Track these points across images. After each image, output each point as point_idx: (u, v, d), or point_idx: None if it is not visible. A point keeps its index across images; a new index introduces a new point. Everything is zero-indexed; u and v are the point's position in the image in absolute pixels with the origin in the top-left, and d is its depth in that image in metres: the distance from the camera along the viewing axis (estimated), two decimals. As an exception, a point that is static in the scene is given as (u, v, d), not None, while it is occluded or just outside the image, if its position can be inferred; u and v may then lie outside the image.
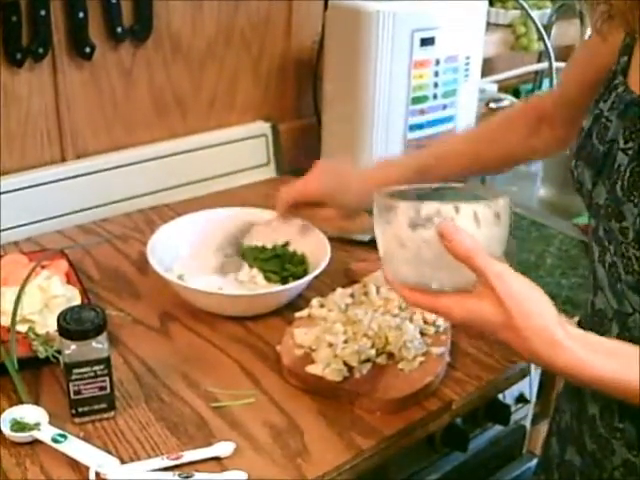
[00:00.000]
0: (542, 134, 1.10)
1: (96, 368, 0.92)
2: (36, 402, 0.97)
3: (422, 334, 1.08)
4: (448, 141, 1.28)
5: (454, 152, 1.15)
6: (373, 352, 1.03)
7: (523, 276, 0.75)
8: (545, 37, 1.84)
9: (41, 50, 1.32)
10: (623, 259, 0.79)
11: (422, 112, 1.52)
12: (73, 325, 0.90)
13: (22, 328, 1.07)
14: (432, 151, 1.18)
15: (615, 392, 0.73)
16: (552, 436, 0.98)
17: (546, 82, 2.03)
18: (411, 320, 1.09)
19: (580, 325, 0.91)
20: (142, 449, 0.91)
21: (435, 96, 1.53)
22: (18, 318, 1.07)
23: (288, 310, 1.16)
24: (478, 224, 0.76)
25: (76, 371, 0.92)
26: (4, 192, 1.34)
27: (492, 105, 2.00)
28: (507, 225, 0.78)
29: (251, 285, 1.20)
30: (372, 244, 1.35)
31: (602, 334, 0.80)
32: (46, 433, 0.91)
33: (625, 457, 0.85)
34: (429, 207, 0.76)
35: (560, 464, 0.95)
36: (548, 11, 1.95)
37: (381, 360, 1.03)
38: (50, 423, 0.93)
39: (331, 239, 1.23)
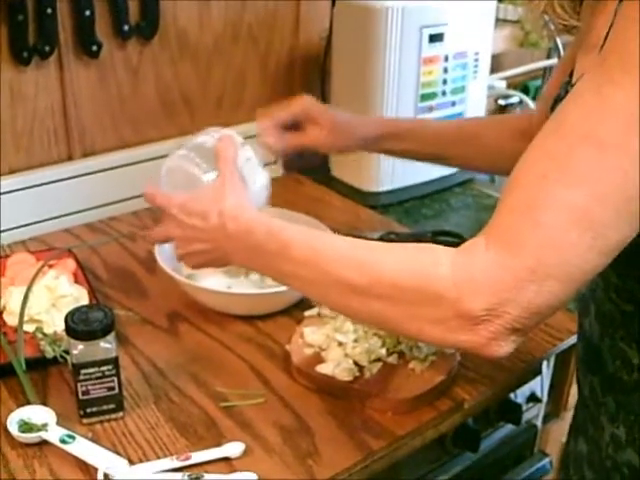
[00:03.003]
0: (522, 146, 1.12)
1: (104, 368, 0.91)
2: (44, 403, 0.96)
3: (433, 333, 1.06)
4: (441, 121, 1.37)
5: (443, 128, 1.24)
6: (384, 351, 1.03)
7: None
8: (554, 33, 1.82)
9: (48, 48, 1.31)
10: None
11: (431, 109, 1.51)
12: (81, 325, 0.90)
13: (29, 328, 1.06)
14: (424, 122, 1.30)
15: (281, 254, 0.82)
16: (571, 434, 0.99)
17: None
18: (422, 319, 1.08)
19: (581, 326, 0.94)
20: (151, 450, 0.91)
21: (444, 93, 1.52)
22: (25, 318, 1.07)
23: (297, 309, 1.15)
24: (248, 162, 1.02)
25: (84, 371, 0.91)
26: (11, 191, 1.34)
27: (501, 102, 1.99)
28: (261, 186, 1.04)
29: (260, 284, 1.19)
30: (382, 241, 1.34)
31: (585, 317, 0.91)
32: (54, 434, 0.90)
33: (611, 431, 0.87)
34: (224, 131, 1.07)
35: (575, 457, 0.95)
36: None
37: (392, 359, 1.02)
38: (58, 424, 0.92)
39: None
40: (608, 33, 0.68)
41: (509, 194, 0.68)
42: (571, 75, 0.83)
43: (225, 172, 0.95)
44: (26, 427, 0.91)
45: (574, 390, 1.28)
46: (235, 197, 0.91)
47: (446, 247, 0.71)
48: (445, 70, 1.50)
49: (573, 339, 1.11)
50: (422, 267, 0.70)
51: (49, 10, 1.28)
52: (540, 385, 1.21)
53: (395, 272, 0.72)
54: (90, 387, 0.92)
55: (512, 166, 0.89)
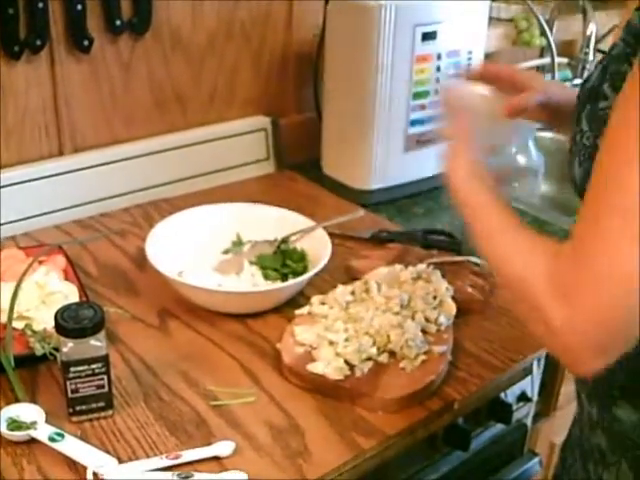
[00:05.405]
0: None
1: (94, 366, 0.91)
2: (33, 400, 0.96)
3: (424, 332, 1.06)
4: None
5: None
6: (374, 350, 1.02)
7: None
8: (547, 32, 1.83)
9: (39, 43, 1.30)
10: None
11: (423, 107, 1.51)
12: (71, 323, 0.89)
13: (19, 325, 1.05)
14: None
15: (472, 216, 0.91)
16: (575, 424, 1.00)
17: (548, 78, 2.02)
18: (413, 318, 1.08)
19: None
20: (140, 448, 0.90)
21: (437, 91, 1.52)
22: (15, 315, 1.06)
23: (288, 307, 1.15)
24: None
25: (73, 369, 0.90)
26: (1, 186, 1.33)
27: (493, 100, 1.99)
28: None
29: (251, 281, 1.18)
30: (373, 240, 1.34)
31: None
32: (43, 432, 0.90)
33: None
34: None
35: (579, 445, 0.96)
36: (551, 6, 1.94)
37: (382, 359, 1.02)
38: (47, 422, 0.91)
39: (332, 235, 1.22)
40: None
41: (584, 217, 0.71)
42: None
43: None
44: (15, 425, 0.90)
45: (564, 390, 1.29)
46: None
47: (550, 245, 0.75)
48: (438, 68, 1.50)
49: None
50: (529, 269, 0.73)
51: (40, 4, 1.27)
52: (531, 384, 1.21)
53: (510, 267, 0.77)
54: (80, 385, 0.92)
55: None
